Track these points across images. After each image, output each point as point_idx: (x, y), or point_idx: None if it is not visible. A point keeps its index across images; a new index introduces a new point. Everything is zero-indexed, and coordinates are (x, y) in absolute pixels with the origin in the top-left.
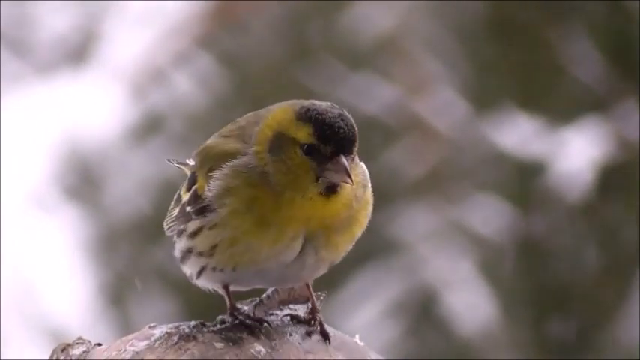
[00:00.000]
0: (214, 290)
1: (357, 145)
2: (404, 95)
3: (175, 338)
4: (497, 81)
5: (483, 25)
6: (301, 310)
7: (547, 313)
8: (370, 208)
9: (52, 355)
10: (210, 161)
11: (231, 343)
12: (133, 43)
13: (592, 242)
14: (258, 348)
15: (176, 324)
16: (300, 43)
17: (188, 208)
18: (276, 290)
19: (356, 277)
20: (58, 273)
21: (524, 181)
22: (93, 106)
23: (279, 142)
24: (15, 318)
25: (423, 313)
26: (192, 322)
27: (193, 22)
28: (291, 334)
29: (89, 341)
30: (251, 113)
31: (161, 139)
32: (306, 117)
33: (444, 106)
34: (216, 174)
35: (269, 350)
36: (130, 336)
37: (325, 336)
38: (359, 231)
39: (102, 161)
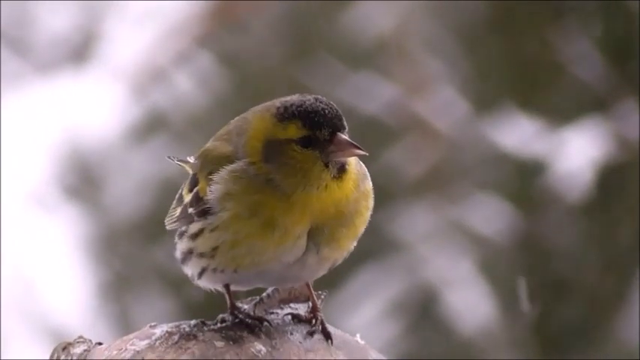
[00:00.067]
0: (215, 290)
1: (344, 119)
2: (404, 95)
3: (176, 337)
4: (497, 81)
5: (483, 25)
6: (302, 310)
7: (547, 313)
8: (371, 201)
9: (52, 354)
10: (209, 165)
11: (231, 342)
12: (134, 43)
13: (592, 242)
14: (259, 347)
15: (177, 323)
16: (300, 43)
17: (190, 210)
18: (276, 289)
19: (356, 276)
20: (58, 272)
21: (524, 180)
22: (93, 106)
23: (272, 148)
24: (15, 317)
25: (423, 313)
26: (193, 321)
27: (193, 22)
28: (291, 334)
29: (90, 340)
30: (240, 116)
31: (161, 138)
32: (288, 114)
33: (444, 105)
34: (216, 177)
35: (270, 349)
36: (131, 335)
37: (327, 335)
38: (361, 225)
39: (102, 161)
